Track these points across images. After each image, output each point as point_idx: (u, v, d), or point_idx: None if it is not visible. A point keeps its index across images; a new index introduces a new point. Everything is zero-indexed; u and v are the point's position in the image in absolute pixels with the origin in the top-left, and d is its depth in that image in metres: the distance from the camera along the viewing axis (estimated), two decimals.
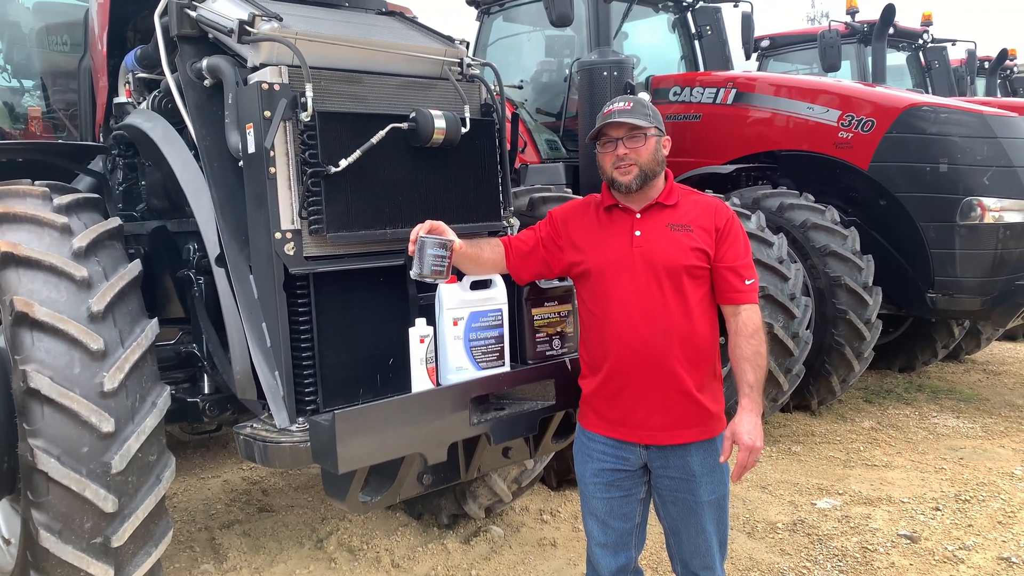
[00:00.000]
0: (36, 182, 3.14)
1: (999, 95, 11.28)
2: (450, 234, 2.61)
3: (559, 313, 3.13)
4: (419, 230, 2.57)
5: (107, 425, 2.57)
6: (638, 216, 2.57)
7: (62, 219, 2.85)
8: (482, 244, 2.79)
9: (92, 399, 2.57)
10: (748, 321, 2.52)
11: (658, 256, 2.49)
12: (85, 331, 2.61)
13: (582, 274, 2.63)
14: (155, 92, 3.35)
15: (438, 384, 2.76)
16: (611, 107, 2.56)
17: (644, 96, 2.61)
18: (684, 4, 7.59)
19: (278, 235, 2.64)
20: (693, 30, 7.68)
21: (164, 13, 3.02)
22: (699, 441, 2.55)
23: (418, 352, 2.70)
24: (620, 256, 2.53)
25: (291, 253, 2.66)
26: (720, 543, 2.62)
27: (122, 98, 3.64)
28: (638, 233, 2.54)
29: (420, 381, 2.71)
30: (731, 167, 6.58)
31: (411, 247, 2.56)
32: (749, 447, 2.45)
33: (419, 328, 2.70)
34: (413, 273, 2.55)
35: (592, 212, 2.67)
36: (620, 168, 2.53)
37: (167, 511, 2.86)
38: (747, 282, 2.53)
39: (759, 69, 10.14)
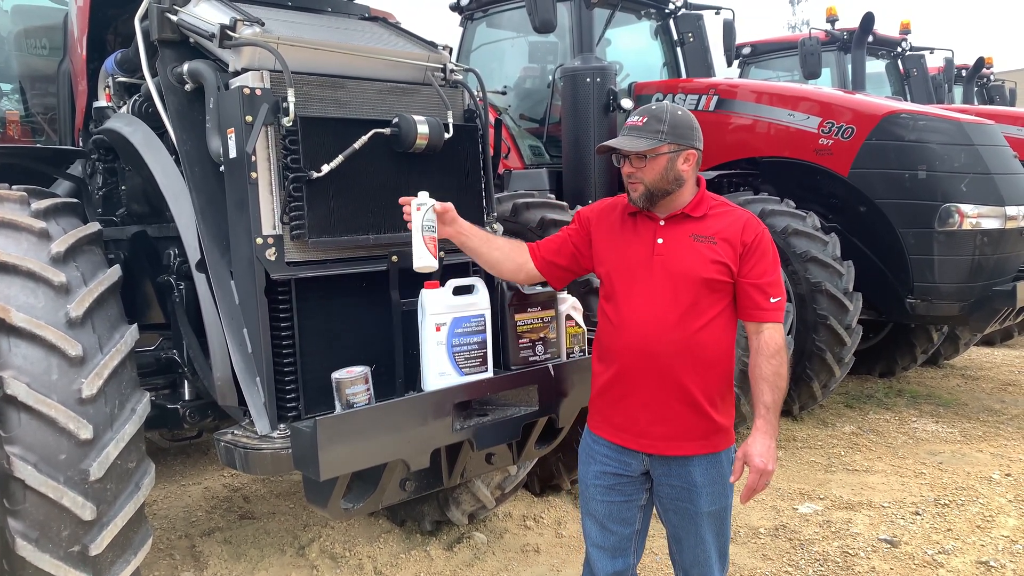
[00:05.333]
0: (14, 186, 3.10)
1: (976, 103, 11.44)
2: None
3: (542, 319, 3.12)
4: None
5: (85, 432, 2.54)
6: (662, 223, 2.51)
7: (40, 224, 2.82)
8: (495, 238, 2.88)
9: (70, 405, 2.55)
10: (770, 340, 2.44)
11: (678, 266, 2.44)
12: (63, 337, 2.58)
13: (602, 276, 2.62)
14: (135, 96, 3.33)
15: (422, 382, 2.75)
16: (628, 120, 2.51)
17: (668, 106, 2.53)
18: (667, 11, 7.62)
19: (259, 240, 2.63)
20: (675, 37, 7.71)
21: (145, 17, 3.01)
22: (702, 454, 2.49)
23: (417, 221, 2.64)
24: (640, 262, 2.49)
25: (272, 258, 2.65)
26: (720, 554, 2.57)
27: (102, 102, 3.61)
28: (660, 241, 2.48)
29: (420, 252, 2.63)
30: (713, 173, 6.61)
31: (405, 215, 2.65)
32: (760, 470, 2.38)
33: (420, 198, 2.65)
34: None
35: (617, 215, 2.62)
36: (630, 184, 2.50)
37: (146, 519, 2.83)
38: (772, 300, 2.45)
39: (740, 76, 10.21)
